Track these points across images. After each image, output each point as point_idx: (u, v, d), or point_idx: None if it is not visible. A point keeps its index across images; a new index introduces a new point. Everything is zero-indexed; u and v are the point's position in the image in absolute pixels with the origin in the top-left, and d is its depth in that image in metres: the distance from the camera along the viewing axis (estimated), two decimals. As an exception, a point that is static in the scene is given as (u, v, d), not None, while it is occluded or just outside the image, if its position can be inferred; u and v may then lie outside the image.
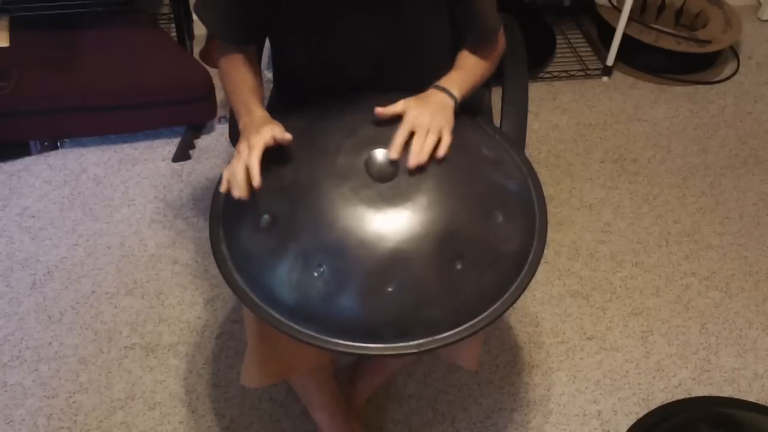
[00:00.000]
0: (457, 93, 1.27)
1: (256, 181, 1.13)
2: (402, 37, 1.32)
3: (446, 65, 1.35)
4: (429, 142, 1.18)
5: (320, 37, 1.31)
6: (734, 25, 2.81)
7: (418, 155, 1.17)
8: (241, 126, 1.25)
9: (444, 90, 1.27)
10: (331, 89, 1.32)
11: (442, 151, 1.18)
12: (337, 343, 1.11)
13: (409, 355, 1.13)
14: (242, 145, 1.18)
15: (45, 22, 2.35)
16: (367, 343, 1.12)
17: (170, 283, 1.96)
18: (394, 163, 1.18)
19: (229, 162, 1.26)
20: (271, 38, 1.41)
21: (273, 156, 1.25)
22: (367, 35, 1.30)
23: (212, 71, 2.41)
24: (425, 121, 1.20)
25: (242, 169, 1.14)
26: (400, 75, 1.36)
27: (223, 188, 1.17)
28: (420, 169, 1.17)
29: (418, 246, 1.11)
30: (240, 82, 1.32)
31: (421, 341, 1.12)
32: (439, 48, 1.39)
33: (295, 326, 1.12)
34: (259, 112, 1.25)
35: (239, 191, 1.14)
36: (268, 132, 1.17)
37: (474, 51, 1.36)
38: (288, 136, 1.18)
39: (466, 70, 1.34)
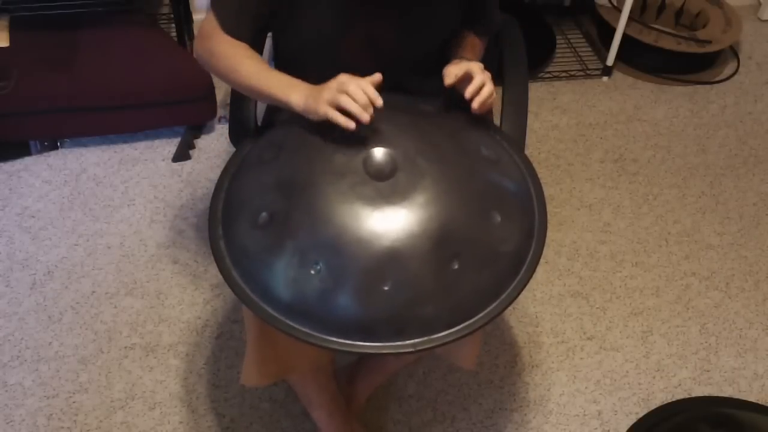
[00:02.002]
0: None
1: (379, 101, 1.15)
2: (417, 41, 1.35)
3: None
4: (493, 94, 1.27)
5: (336, 37, 1.32)
6: (734, 25, 2.81)
7: (485, 100, 1.25)
8: (298, 100, 1.21)
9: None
10: None
11: (491, 101, 1.28)
12: (333, 340, 1.11)
13: (404, 354, 1.13)
14: (341, 79, 1.17)
15: (45, 22, 2.35)
16: (362, 341, 1.11)
17: (170, 283, 1.96)
18: (392, 161, 1.18)
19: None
20: (277, 35, 1.40)
21: (272, 153, 1.25)
22: (384, 37, 1.32)
23: (212, 71, 2.41)
24: (488, 77, 1.27)
25: (362, 93, 1.16)
26: (406, 77, 1.38)
27: (350, 124, 1.16)
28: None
29: (414, 245, 1.11)
30: (258, 62, 1.28)
31: (416, 340, 1.12)
32: (443, 52, 1.41)
33: (291, 323, 1.12)
34: (308, 83, 1.24)
35: (365, 116, 1.15)
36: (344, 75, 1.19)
37: (478, 36, 1.45)
38: (377, 76, 1.20)
39: (477, 52, 1.44)
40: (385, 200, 1.14)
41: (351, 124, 1.16)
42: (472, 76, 1.25)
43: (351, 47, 1.32)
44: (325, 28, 1.31)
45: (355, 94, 1.15)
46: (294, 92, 1.22)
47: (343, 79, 1.17)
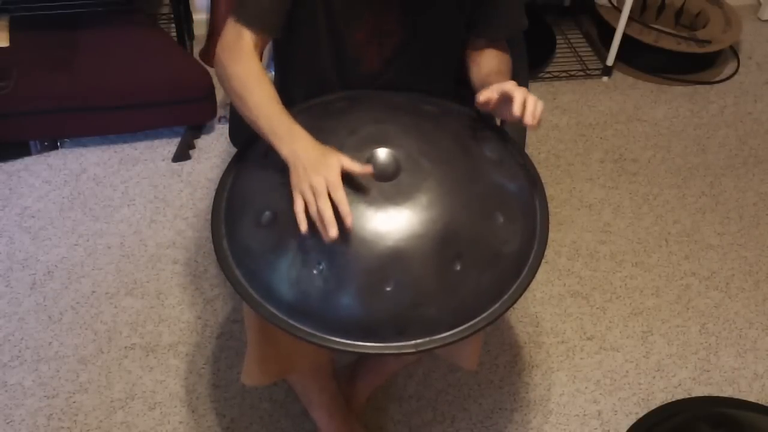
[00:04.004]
0: None
1: (349, 220, 1.07)
2: (424, 35, 1.35)
3: (452, 66, 1.36)
4: (535, 100, 1.18)
5: (347, 28, 1.32)
6: (734, 25, 2.81)
7: (538, 113, 1.17)
8: (288, 153, 1.14)
9: None
10: (340, 84, 1.34)
11: (540, 110, 1.19)
12: (335, 340, 1.12)
13: (406, 354, 1.13)
14: (316, 180, 1.08)
15: (45, 22, 2.35)
16: (364, 341, 1.12)
17: (170, 283, 1.96)
18: (395, 162, 1.18)
19: (290, 186, 1.14)
20: (287, 30, 1.40)
21: (274, 152, 1.25)
22: (392, 29, 1.32)
23: (212, 71, 2.41)
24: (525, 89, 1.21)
25: (329, 206, 1.07)
26: (409, 76, 1.37)
27: (303, 228, 1.08)
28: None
29: (417, 245, 1.12)
30: (267, 96, 1.20)
31: (419, 341, 1.12)
32: (451, 50, 1.40)
33: (293, 323, 1.13)
34: (307, 138, 1.15)
35: (334, 231, 1.06)
36: (337, 163, 1.10)
37: (494, 43, 1.39)
38: (358, 167, 1.11)
39: (505, 71, 1.37)
40: (389, 201, 1.14)
41: (302, 227, 1.08)
42: (510, 95, 1.18)
43: (359, 41, 1.33)
44: (337, 20, 1.31)
45: (323, 210, 1.07)
46: (284, 145, 1.15)
47: (317, 178, 1.08)
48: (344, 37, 1.33)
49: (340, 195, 1.07)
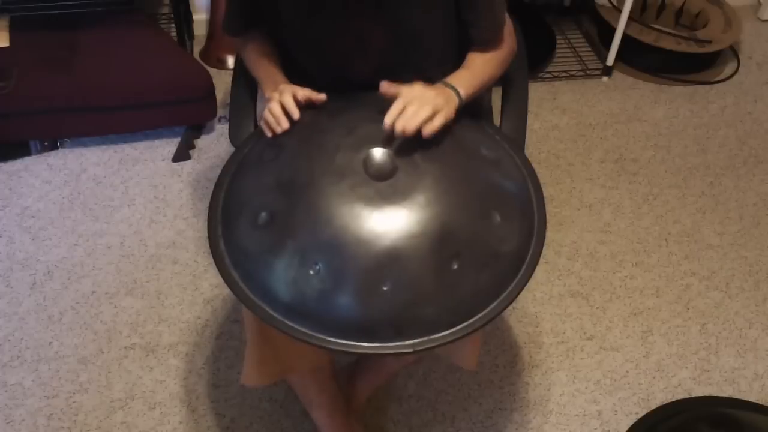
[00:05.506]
0: (462, 91, 1.28)
1: (296, 114, 1.25)
2: (407, 37, 1.33)
3: (449, 67, 1.35)
4: (422, 113, 1.17)
5: (323, 38, 1.31)
6: (734, 25, 2.82)
7: (407, 120, 1.16)
8: (268, 96, 1.33)
9: (450, 86, 1.27)
10: (332, 90, 1.33)
11: (429, 129, 1.17)
12: (332, 341, 1.11)
13: (404, 354, 1.13)
14: (273, 95, 1.29)
15: (45, 22, 2.36)
16: (362, 341, 1.11)
17: (170, 283, 1.96)
18: (392, 162, 1.18)
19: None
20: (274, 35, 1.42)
21: (272, 153, 1.25)
22: (372, 35, 1.30)
23: (212, 71, 2.42)
24: (425, 98, 1.19)
25: (279, 106, 1.26)
26: (402, 77, 1.36)
27: (270, 133, 1.27)
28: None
29: (414, 245, 1.11)
30: (262, 54, 1.41)
31: (416, 341, 1.12)
32: (442, 49, 1.39)
33: (291, 323, 1.12)
34: (282, 82, 1.35)
35: (283, 124, 1.25)
36: (294, 87, 1.28)
37: (482, 50, 1.36)
38: (320, 96, 1.29)
39: (474, 70, 1.34)
40: (385, 200, 1.14)
41: (270, 131, 1.28)
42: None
43: (342, 48, 1.32)
44: (312, 29, 1.31)
45: (273, 108, 1.26)
46: (267, 91, 1.35)
47: (275, 93, 1.29)
48: (325, 45, 1.32)
49: (285, 98, 1.26)
